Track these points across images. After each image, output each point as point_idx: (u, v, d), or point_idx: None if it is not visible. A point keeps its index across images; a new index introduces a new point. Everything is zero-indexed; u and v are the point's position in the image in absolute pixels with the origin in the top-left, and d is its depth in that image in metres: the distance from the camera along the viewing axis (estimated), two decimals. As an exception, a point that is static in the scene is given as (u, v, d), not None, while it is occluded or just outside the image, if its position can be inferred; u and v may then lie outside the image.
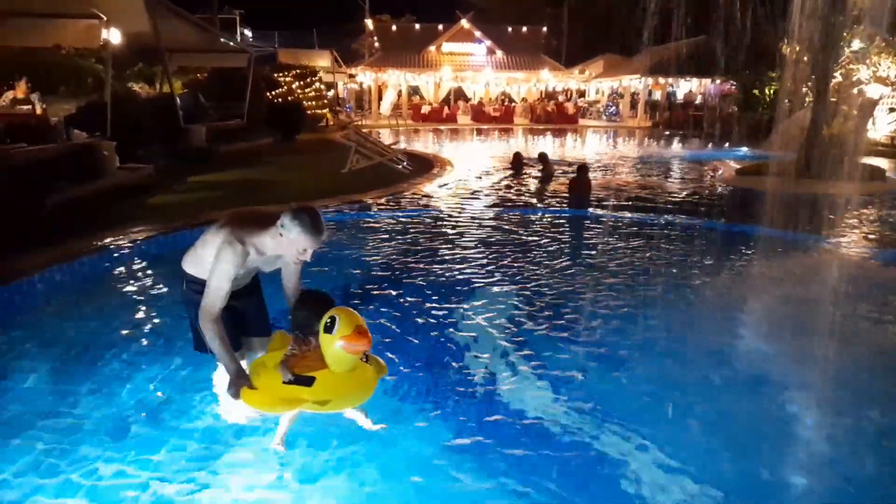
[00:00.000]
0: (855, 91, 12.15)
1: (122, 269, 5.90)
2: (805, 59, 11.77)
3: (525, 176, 12.81)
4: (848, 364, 3.92)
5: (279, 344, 2.94)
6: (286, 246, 2.66)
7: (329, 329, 2.50)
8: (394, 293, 5.27)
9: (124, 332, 4.39)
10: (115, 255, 6.14)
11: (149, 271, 5.84)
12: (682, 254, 6.88)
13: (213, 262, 2.65)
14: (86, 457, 2.85)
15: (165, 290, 5.21)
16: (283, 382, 2.60)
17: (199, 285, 2.78)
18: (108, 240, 6.43)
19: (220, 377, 2.98)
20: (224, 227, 2.72)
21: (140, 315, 4.75)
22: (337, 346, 2.48)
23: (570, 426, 3.19)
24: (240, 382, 2.62)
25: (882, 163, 14.27)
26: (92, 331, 4.42)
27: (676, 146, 21.90)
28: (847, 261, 6.78)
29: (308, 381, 2.59)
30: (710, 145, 22.38)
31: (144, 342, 4.20)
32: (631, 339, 4.39)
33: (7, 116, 8.94)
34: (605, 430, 3.15)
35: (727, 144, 21.80)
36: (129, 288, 5.41)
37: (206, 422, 3.17)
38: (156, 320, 4.61)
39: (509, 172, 13.17)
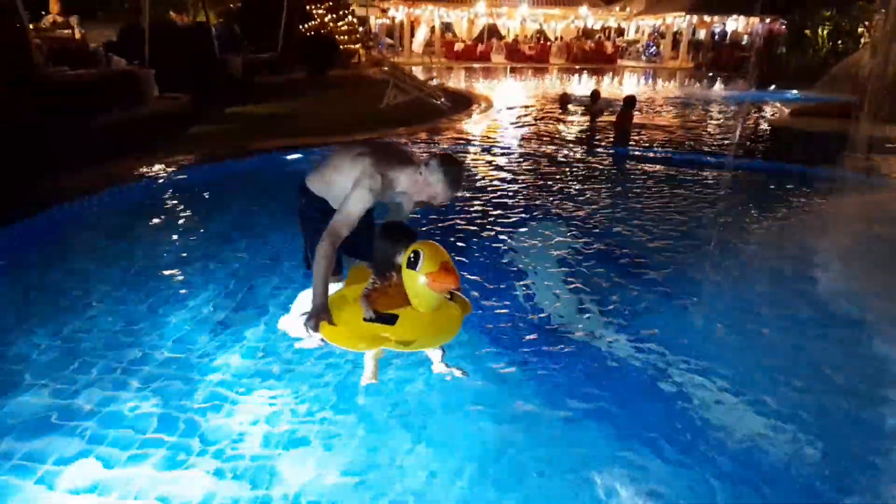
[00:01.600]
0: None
1: (169, 194, 5.87)
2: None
3: (573, 113, 12.48)
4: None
5: (359, 277, 2.83)
6: (420, 187, 2.62)
7: (413, 265, 2.37)
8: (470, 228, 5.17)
9: (182, 254, 4.39)
10: (160, 181, 6.11)
11: (196, 198, 5.81)
12: (746, 197, 6.63)
13: (351, 189, 2.59)
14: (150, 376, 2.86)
15: (218, 215, 5.18)
16: (365, 320, 2.48)
17: (322, 204, 2.81)
18: (156, 166, 6.39)
19: (302, 303, 2.88)
20: (363, 156, 2.67)
21: (191, 239, 4.73)
22: (421, 282, 2.36)
23: (647, 365, 3.10)
24: (322, 316, 2.53)
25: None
26: (155, 249, 4.42)
27: (721, 88, 21.02)
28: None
29: (391, 320, 2.47)
30: (755, 87, 21.46)
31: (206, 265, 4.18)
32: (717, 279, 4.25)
33: (49, 40, 8.82)
34: (676, 369, 3.06)
35: (773, 87, 20.87)
36: (179, 214, 5.39)
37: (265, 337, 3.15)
38: (207, 244, 4.58)
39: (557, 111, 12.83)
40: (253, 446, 2.41)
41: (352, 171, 2.64)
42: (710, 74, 26.16)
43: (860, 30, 19.51)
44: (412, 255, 2.38)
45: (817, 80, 19.21)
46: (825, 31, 22.04)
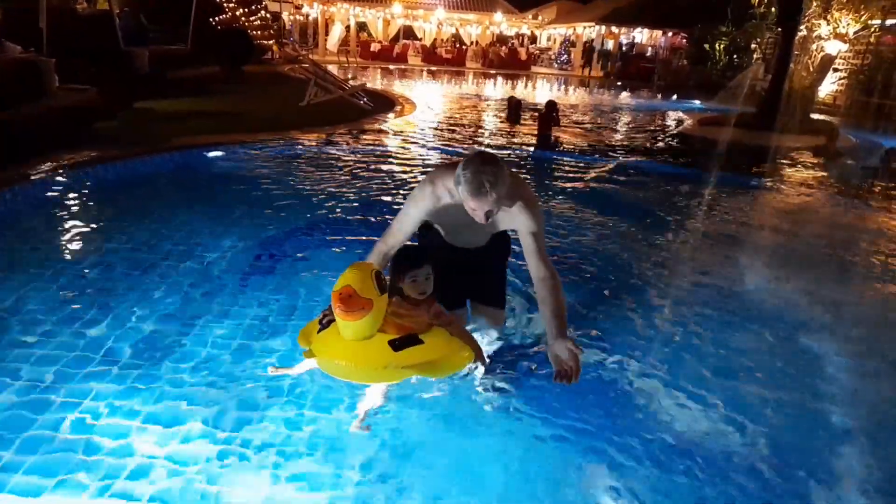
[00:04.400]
0: (814, 47, 12.35)
1: (77, 192, 5.39)
2: (772, 10, 11.94)
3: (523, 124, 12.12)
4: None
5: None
6: (462, 198, 2.31)
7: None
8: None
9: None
10: (69, 179, 5.61)
11: (113, 198, 5.37)
12: (671, 197, 6.92)
13: None
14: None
15: (140, 216, 4.79)
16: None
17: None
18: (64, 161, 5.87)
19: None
20: (438, 167, 2.59)
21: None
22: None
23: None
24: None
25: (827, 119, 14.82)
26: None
27: (632, 97, 21.96)
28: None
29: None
30: (660, 97, 22.63)
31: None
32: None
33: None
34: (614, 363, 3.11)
35: (675, 97, 22.08)
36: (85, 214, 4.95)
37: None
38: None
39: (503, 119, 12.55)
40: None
41: None
42: (619, 83, 27.31)
43: (753, 45, 20.96)
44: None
45: (715, 91, 20.58)
46: (722, 46, 23.58)
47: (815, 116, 13.96)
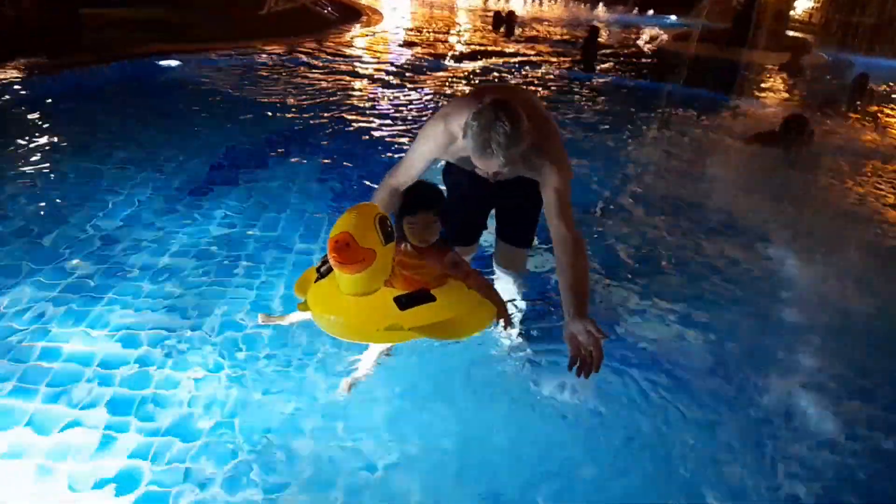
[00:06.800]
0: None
1: (28, 102, 5.08)
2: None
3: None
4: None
5: None
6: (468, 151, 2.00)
7: None
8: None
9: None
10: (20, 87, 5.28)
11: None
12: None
13: None
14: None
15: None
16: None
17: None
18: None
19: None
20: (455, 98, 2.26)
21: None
22: None
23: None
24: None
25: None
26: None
27: (608, 11, 21.30)
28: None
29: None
30: (636, 11, 22.01)
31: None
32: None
33: None
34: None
35: (651, 12, 21.51)
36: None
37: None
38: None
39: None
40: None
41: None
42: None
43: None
44: None
45: (692, 5, 20.01)
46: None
47: (789, 33, 13.76)
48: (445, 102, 2.23)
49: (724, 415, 2.28)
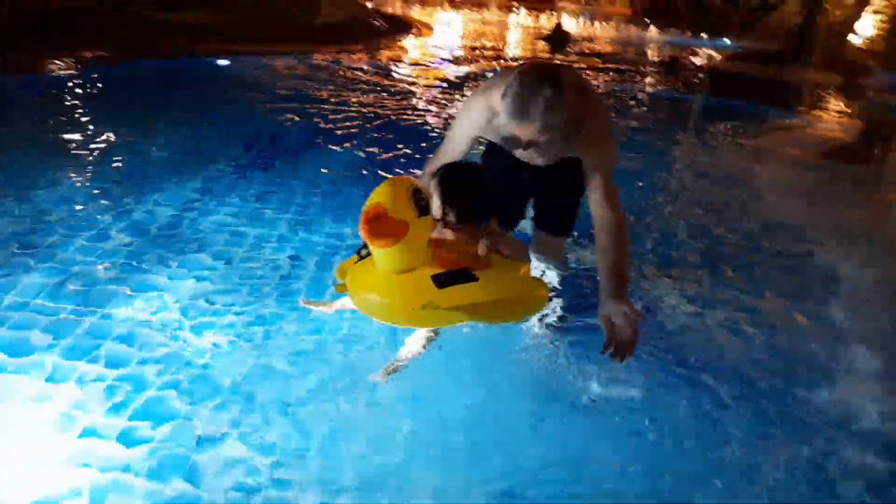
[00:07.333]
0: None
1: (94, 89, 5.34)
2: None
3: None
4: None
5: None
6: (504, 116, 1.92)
7: None
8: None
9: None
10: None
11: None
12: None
13: None
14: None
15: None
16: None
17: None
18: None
19: None
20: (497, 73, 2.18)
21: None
22: None
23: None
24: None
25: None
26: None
27: (660, 33, 21.12)
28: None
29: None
30: (689, 34, 21.70)
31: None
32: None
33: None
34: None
35: (704, 35, 21.18)
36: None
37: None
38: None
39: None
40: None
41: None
42: (647, 21, 26.22)
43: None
44: None
45: (746, 30, 19.64)
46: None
47: (849, 54, 13.36)
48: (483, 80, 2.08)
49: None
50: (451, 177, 2.00)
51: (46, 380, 2.06)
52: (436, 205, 1.96)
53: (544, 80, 1.80)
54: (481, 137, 2.26)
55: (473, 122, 2.15)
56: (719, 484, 1.88)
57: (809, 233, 3.73)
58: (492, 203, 2.05)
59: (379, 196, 1.75)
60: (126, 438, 1.87)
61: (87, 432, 1.87)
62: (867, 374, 2.43)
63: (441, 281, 1.83)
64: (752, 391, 2.27)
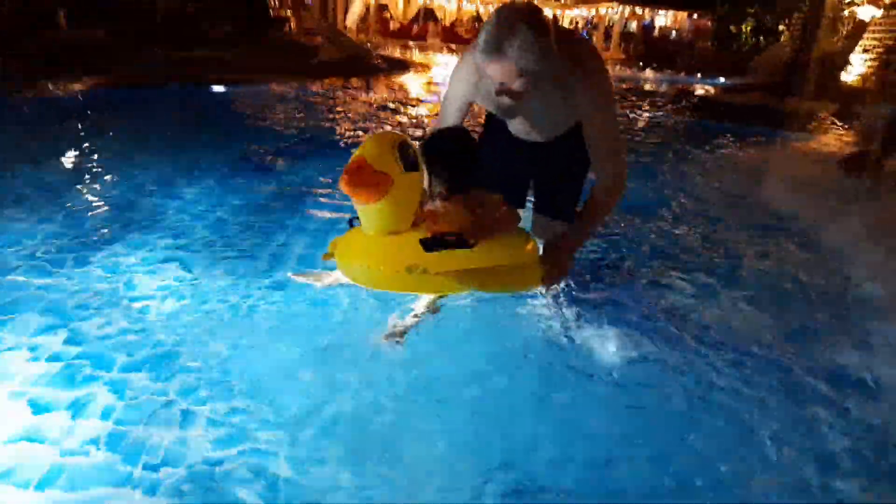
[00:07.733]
0: (846, 13, 11.89)
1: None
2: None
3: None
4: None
5: None
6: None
7: None
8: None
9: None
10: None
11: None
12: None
13: None
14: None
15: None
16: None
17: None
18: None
19: None
20: None
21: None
22: None
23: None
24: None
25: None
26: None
27: (656, 73, 21.54)
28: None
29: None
30: (683, 74, 22.12)
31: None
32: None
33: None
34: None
35: (699, 75, 21.56)
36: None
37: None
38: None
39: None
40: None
41: None
42: (641, 64, 26.77)
43: (781, 27, 20.36)
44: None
45: (739, 71, 19.98)
46: (748, 28, 22.92)
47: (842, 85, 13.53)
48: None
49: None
50: (435, 147, 1.88)
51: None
52: (425, 177, 1.84)
53: (516, 14, 1.63)
54: (475, 104, 2.12)
55: (462, 81, 2.03)
56: (723, 469, 1.75)
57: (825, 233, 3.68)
58: (484, 175, 1.91)
59: (361, 149, 1.68)
60: (84, 413, 1.73)
61: (42, 408, 1.72)
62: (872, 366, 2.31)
63: (428, 244, 1.74)
64: (759, 372, 2.16)
